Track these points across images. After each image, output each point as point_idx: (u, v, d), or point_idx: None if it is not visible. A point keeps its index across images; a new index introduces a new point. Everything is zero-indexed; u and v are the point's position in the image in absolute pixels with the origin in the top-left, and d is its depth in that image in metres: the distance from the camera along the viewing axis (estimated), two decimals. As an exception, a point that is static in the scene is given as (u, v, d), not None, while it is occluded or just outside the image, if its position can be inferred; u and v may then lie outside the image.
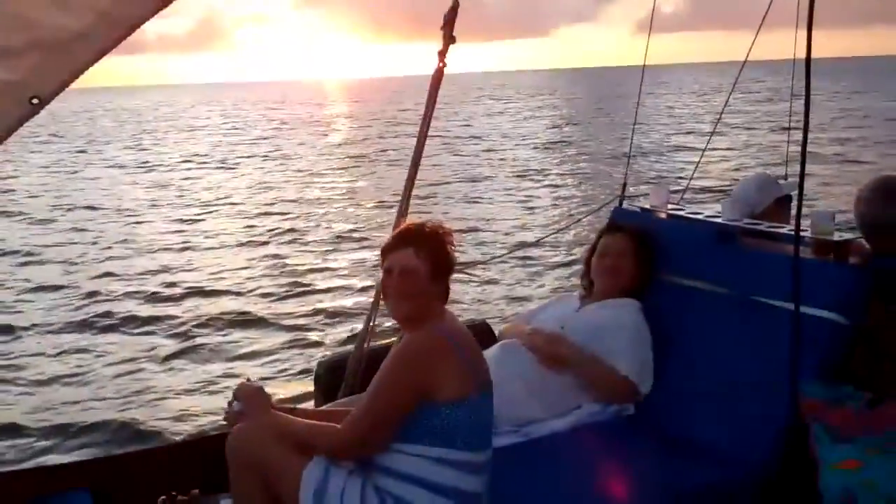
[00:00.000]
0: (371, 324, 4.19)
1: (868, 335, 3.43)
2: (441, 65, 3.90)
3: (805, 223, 3.66)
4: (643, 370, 3.82)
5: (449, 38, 3.87)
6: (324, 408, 3.83)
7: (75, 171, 31.53)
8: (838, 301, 3.44)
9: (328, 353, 7.24)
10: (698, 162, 6.42)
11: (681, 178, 21.04)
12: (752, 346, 3.64)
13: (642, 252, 4.12)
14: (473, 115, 55.26)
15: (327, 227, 17.62)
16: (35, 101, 1.93)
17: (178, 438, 7.00)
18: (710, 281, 3.94)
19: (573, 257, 12.32)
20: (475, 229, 16.14)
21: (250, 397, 3.12)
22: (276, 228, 17.53)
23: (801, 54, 2.85)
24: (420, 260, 2.96)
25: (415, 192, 4.13)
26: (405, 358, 2.94)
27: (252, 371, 8.71)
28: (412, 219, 3.36)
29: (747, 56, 5.32)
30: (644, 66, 5.14)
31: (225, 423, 3.16)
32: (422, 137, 3.92)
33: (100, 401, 8.28)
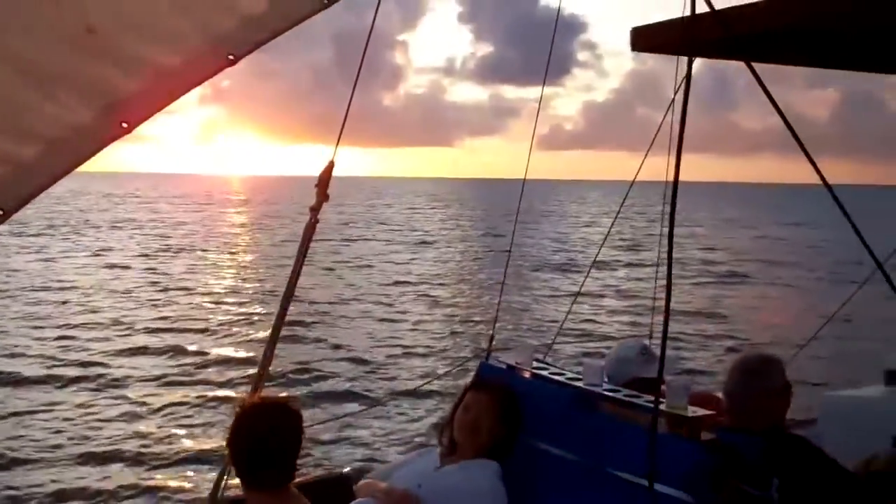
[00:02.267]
0: (224, 476, 4.07)
1: None
2: (314, 220, 3.86)
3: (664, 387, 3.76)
4: None
5: (323, 196, 3.84)
6: None
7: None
8: (687, 479, 3.46)
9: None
10: (569, 311, 6.56)
11: (553, 321, 21.02)
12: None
13: (506, 412, 4.10)
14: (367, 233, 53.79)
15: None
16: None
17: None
18: (567, 447, 3.95)
19: (440, 409, 12.07)
20: (339, 376, 15.74)
21: None
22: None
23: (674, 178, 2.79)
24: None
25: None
26: None
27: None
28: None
29: (634, 179, 5.48)
30: (522, 189, 5.27)
31: None
32: (289, 293, 3.85)
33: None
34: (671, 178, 2.72)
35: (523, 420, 4.14)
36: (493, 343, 4.81)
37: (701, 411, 3.75)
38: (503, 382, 4.32)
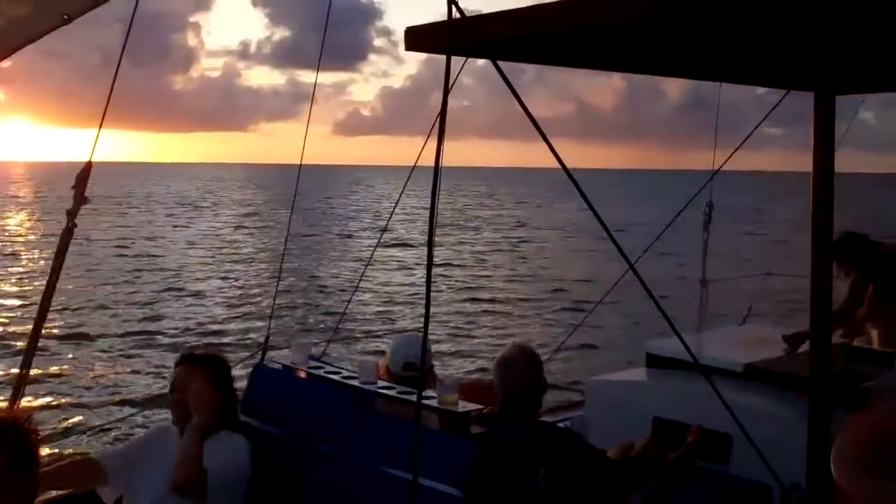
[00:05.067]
0: None
1: None
2: (70, 225, 3.69)
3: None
4: None
5: (80, 199, 3.68)
6: None
7: None
8: (457, 473, 3.55)
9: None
10: (347, 306, 6.58)
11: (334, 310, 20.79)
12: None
13: (218, 378, 3.98)
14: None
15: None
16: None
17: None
18: (341, 446, 3.99)
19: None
20: (109, 380, 14.94)
21: None
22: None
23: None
24: None
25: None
26: None
27: None
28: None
29: (414, 164, 5.56)
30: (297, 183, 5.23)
31: None
32: (46, 302, 3.66)
33: None
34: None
35: (300, 420, 4.13)
36: (270, 342, 4.77)
37: (471, 406, 3.85)
38: (208, 352, 4.25)
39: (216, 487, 3.70)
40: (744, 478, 4.32)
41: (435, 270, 28.27)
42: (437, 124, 4.97)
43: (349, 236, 44.62)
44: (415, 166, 5.55)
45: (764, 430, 4.20)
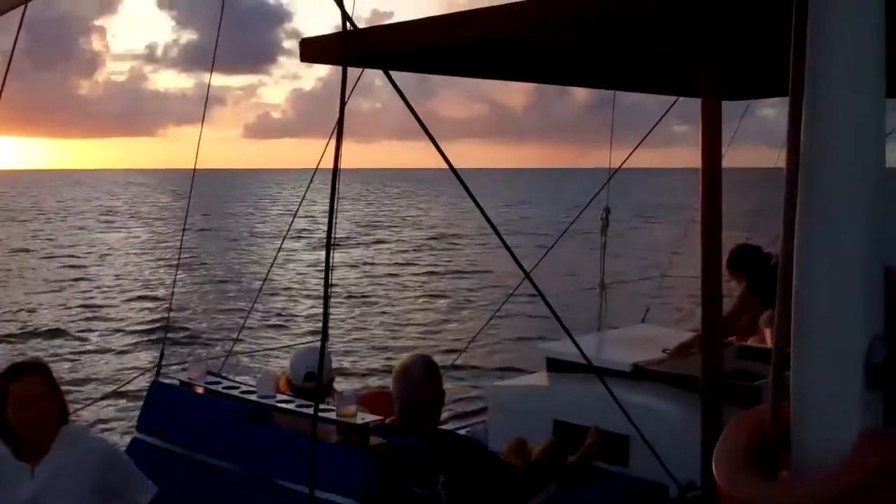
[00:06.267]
0: None
1: None
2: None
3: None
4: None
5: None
6: None
7: None
8: (355, 485, 3.54)
9: None
10: (245, 320, 6.53)
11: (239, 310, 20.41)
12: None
13: (52, 379, 3.80)
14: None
15: None
16: None
17: None
18: (239, 462, 3.95)
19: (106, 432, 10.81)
20: None
21: None
22: None
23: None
24: None
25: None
26: None
27: None
28: None
29: (317, 167, 5.57)
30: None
31: None
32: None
33: None
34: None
35: (196, 436, 4.07)
36: (165, 357, 4.69)
37: (370, 417, 3.84)
38: (34, 359, 4.09)
39: (94, 476, 3.68)
40: (642, 478, 4.41)
41: (352, 271, 28.34)
42: (335, 132, 5.00)
43: (261, 237, 44.11)
44: (316, 169, 5.57)
45: (660, 429, 4.29)
